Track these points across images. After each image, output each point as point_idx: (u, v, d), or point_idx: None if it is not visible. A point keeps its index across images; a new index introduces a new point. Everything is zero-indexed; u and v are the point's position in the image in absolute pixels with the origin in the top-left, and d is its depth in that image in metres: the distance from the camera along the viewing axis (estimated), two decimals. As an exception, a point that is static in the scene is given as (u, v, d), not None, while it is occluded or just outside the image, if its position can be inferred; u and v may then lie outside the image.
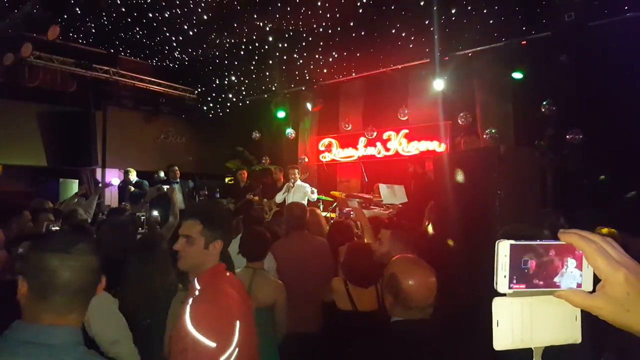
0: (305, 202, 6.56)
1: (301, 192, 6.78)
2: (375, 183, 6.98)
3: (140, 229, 3.59)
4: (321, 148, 10.10)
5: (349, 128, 9.61)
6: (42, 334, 1.15)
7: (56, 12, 7.38)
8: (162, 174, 8.52)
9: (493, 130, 7.03)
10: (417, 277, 1.68)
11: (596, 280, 0.65)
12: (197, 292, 1.75)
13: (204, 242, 1.82)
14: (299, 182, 6.97)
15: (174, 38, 8.68)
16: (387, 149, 8.92)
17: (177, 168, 8.06)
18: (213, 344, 1.58)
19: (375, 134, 8.93)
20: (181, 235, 1.86)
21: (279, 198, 7.00)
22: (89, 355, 1.22)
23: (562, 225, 3.64)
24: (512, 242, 0.64)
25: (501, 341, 0.65)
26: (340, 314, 2.74)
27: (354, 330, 2.40)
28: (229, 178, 11.01)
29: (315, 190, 7.07)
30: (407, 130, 8.68)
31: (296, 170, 7.09)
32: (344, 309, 2.74)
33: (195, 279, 1.80)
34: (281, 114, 9.85)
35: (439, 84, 7.38)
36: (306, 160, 10.02)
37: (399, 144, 8.74)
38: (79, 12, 7.51)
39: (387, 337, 1.71)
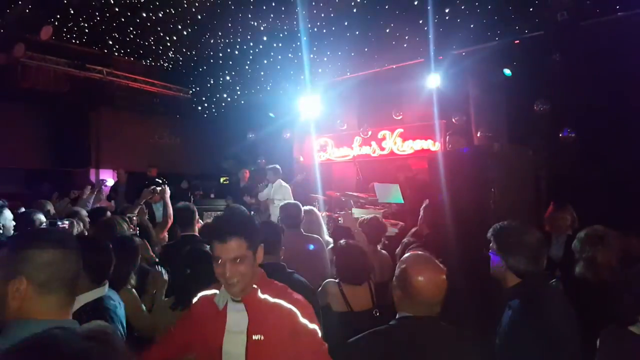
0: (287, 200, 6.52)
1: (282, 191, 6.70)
2: (370, 182, 6.99)
3: (131, 230, 3.58)
4: (316, 147, 10.10)
5: (344, 127, 9.62)
6: None
7: (49, 12, 7.33)
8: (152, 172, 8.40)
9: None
10: (427, 273, 1.70)
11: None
12: (274, 299, 1.70)
13: (252, 255, 1.69)
14: (279, 182, 6.84)
15: (168, 38, 8.65)
16: (382, 148, 8.94)
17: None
18: (317, 328, 1.70)
19: (370, 133, 8.95)
20: (228, 258, 1.62)
21: (262, 196, 6.94)
22: None
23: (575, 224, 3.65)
24: None
25: None
26: (336, 315, 2.71)
27: (350, 331, 2.40)
28: (224, 178, 10.98)
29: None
30: (401, 130, 8.70)
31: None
32: (339, 310, 2.74)
33: (259, 290, 1.71)
34: (275, 114, 9.83)
35: (434, 80, 7.42)
36: (301, 159, 10.01)
37: (394, 143, 8.76)
38: (72, 11, 7.46)
39: (393, 332, 1.73)
